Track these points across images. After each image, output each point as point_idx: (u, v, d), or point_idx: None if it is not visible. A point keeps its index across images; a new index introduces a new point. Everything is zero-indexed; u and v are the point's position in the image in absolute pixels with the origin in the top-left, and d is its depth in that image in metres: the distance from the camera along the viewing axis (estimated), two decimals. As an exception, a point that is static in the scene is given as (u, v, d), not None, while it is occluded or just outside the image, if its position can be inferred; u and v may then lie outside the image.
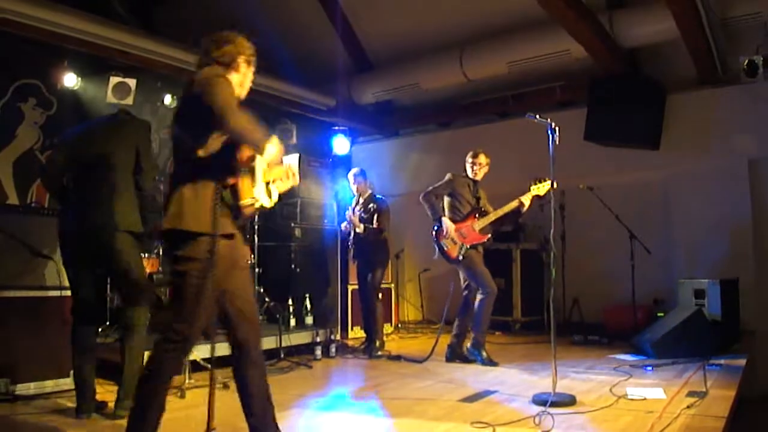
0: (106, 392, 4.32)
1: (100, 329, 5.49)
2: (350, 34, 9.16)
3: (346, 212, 6.91)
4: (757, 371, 6.16)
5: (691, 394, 4.25)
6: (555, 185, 4.79)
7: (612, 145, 7.83)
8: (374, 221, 6.64)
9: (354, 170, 7.03)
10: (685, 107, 7.75)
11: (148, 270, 5.99)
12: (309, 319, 7.11)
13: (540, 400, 4.09)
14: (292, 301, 7.08)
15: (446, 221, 5.86)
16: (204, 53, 2.95)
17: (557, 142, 4.34)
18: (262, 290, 7.06)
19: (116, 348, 4.18)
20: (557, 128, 4.35)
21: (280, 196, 3.13)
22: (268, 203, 3.02)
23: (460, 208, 5.98)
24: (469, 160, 6.04)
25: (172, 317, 2.76)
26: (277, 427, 3.02)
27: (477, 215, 5.90)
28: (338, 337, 6.97)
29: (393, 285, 8.62)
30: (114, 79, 6.67)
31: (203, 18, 8.37)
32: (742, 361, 5.44)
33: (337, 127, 9.25)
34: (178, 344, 2.75)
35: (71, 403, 3.96)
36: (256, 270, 7.02)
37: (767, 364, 6.41)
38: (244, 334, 2.96)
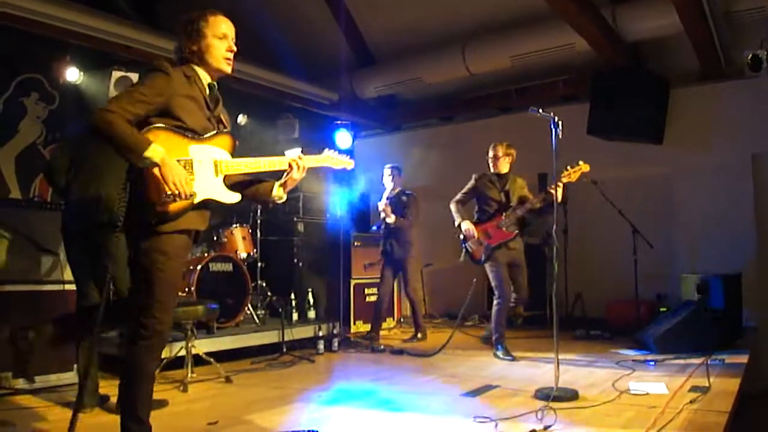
0: (108, 386, 4.33)
1: (103, 324, 5.51)
2: (353, 28, 9.13)
3: (378, 203, 7.09)
4: (759, 366, 6.14)
5: (693, 389, 4.25)
6: (588, 167, 4.83)
7: (615, 140, 7.82)
8: (406, 214, 6.94)
9: (390, 165, 7.30)
10: (688, 102, 7.73)
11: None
12: (311, 313, 7.13)
13: (542, 395, 4.08)
14: (295, 295, 7.09)
15: (465, 224, 5.88)
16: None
17: (560, 137, 4.33)
18: (264, 284, 7.07)
19: (119, 342, 4.19)
20: (560, 122, 4.34)
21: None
22: (228, 198, 2.99)
23: (487, 208, 5.96)
24: (488, 155, 6.00)
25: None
26: None
27: (503, 213, 5.85)
28: (340, 330, 6.98)
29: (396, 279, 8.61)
30: (116, 74, 6.65)
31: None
32: (745, 357, 5.43)
33: (339, 122, 9.22)
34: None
35: (73, 397, 3.96)
36: (259, 264, 7.03)
37: (770, 359, 6.41)
38: None
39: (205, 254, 6.47)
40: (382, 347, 6.50)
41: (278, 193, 3.10)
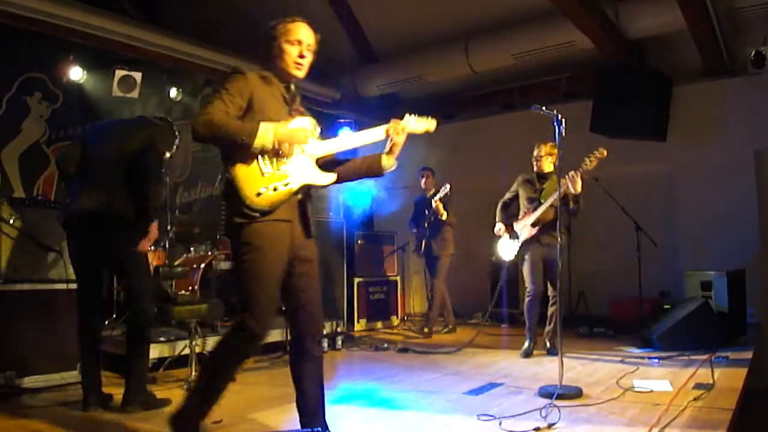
0: (112, 385, 4.34)
1: (106, 322, 5.52)
2: (355, 26, 9.12)
3: (434, 201, 7.29)
4: (764, 363, 6.13)
5: (697, 386, 4.24)
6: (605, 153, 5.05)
7: (618, 137, 7.79)
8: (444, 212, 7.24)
9: (420, 168, 7.70)
10: (691, 99, 7.72)
11: (154, 263, 6.02)
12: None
13: (546, 393, 4.09)
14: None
15: (497, 226, 6.09)
16: None
17: (563, 134, 4.32)
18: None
19: (122, 341, 4.20)
20: (563, 120, 4.33)
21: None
22: (323, 180, 2.98)
23: (526, 207, 5.99)
24: (533, 154, 6.04)
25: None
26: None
27: (532, 210, 5.87)
28: (344, 329, 6.99)
29: (399, 277, 8.62)
30: (119, 72, 6.68)
31: (208, 10, 8.37)
32: (749, 353, 5.42)
33: (341, 120, 9.23)
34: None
35: (78, 396, 3.97)
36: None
37: (774, 356, 6.40)
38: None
39: (209, 253, 6.47)
40: (385, 345, 6.51)
41: (389, 163, 3.10)
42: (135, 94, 6.81)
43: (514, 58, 8.07)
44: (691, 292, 6.65)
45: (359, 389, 4.59)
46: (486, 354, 6.04)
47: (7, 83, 6.50)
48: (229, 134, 2.67)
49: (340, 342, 6.46)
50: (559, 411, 3.55)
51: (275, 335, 6.07)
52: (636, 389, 4.26)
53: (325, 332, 6.31)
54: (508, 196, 6.23)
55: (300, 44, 2.96)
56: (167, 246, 6.45)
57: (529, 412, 3.67)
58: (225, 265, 6.30)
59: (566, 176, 5.43)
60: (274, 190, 2.76)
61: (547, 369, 5.13)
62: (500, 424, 3.48)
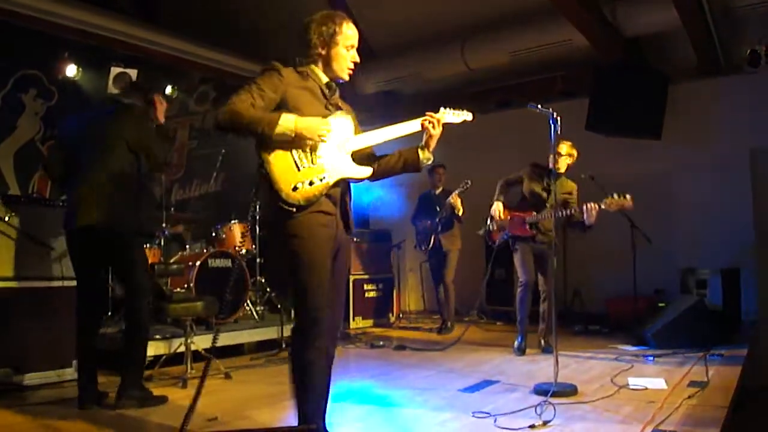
0: (107, 383, 4.34)
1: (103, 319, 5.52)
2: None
3: (452, 197, 7.20)
4: (758, 361, 6.15)
5: (692, 384, 4.26)
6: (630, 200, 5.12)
7: (613, 135, 7.80)
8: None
9: (439, 163, 7.49)
10: (687, 97, 7.73)
11: (149, 261, 6.01)
12: (311, 309, 7.12)
13: (541, 390, 4.10)
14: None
15: (495, 205, 5.95)
16: None
17: (559, 132, 4.33)
18: (263, 280, 7.06)
19: (118, 338, 4.20)
20: (559, 118, 4.33)
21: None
22: (360, 173, 2.96)
23: (529, 198, 5.95)
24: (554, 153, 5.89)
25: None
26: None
27: (538, 211, 5.79)
28: (340, 326, 6.97)
29: (395, 275, 8.62)
30: (115, 70, 6.64)
31: (203, 7, 8.35)
32: (743, 351, 5.44)
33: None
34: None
35: (73, 394, 3.97)
36: (258, 260, 7.02)
37: (768, 354, 6.42)
38: None
39: (204, 250, 6.47)
40: (381, 343, 6.52)
41: (426, 156, 3.08)
42: (131, 91, 6.79)
43: (511, 56, 8.07)
44: (686, 290, 6.67)
45: (355, 387, 4.59)
46: (481, 351, 6.05)
47: (2, 80, 6.48)
48: (250, 124, 2.65)
49: (335, 339, 6.45)
50: (554, 408, 3.56)
51: (270, 333, 6.08)
52: (631, 387, 4.27)
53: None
54: (512, 177, 6.08)
55: (354, 48, 2.99)
56: (162, 243, 6.44)
57: (524, 409, 3.67)
58: (220, 263, 6.29)
59: (585, 205, 5.45)
60: (311, 184, 2.73)
61: (542, 366, 5.14)
62: (495, 421, 3.48)
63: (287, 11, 8.82)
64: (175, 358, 4.90)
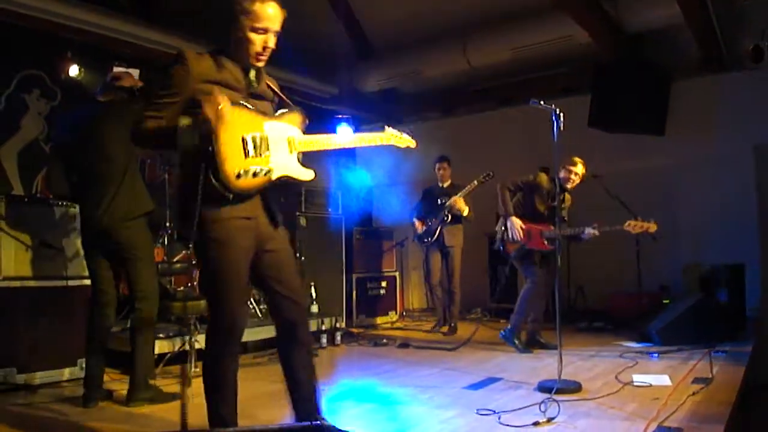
0: (112, 381, 4.34)
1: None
2: (353, 20, 9.09)
3: (453, 199, 7.11)
4: (763, 357, 6.13)
5: (697, 380, 4.25)
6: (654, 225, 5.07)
7: (616, 132, 7.79)
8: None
9: (444, 158, 7.57)
10: (690, 93, 7.71)
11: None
12: (314, 308, 7.11)
13: (545, 388, 4.09)
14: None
15: (515, 221, 5.74)
16: None
17: (562, 129, 4.32)
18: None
19: (124, 337, 4.20)
20: (562, 114, 4.32)
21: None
22: (304, 175, 2.89)
23: (537, 207, 5.82)
24: (567, 166, 5.72)
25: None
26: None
27: (554, 225, 5.50)
28: (343, 324, 6.99)
29: (398, 273, 8.62)
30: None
31: (205, 7, 8.33)
32: (748, 348, 5.43)
33: (340, 116, 9.21)
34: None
35: (78, 392, 3.98)
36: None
37: (773, 351, 6.41)
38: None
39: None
40: (384, 341, 6.52)
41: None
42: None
43: (512, 53, 8.04)
44: (690, 287, 6.65)
45: (359, 385, 4.60)
46: (485, 349, 6.04)
47: (6, 80, 6.49)
48: (159, 138, 2.55)
49: (339, 338, 6.46)
50: (559, 405, 3.55)
51: (273, 331, 6.05)
52: (635, 384, 4.27)
53: (324, 328, 6.31)
54: (519, 182, 5.88)
55: (266, 32, 2.69)
56: (166, 242, 6.44)
57: (529, 406, 3.67)
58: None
59: (585, 230, 5.56)
60: (254, 175, 2.61)
61: (545, 364, 5.13)
62: (499, 418, 3.48)
63: (287, 11, 8.82)
64: (179, 357, 4.90)
